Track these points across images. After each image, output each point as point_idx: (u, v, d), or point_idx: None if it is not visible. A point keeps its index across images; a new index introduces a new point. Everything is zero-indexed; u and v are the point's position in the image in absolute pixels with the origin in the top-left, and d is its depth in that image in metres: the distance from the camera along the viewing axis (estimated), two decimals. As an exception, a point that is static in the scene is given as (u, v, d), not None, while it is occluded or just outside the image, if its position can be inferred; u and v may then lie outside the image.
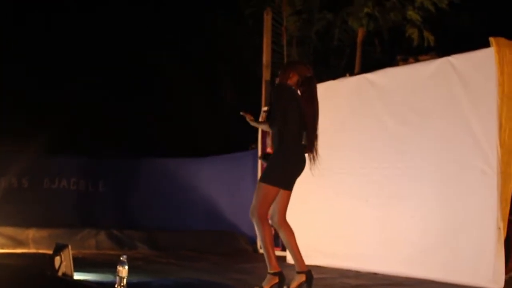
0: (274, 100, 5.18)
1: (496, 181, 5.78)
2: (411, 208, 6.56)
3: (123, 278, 4.49)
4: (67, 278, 4.99)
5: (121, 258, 4.53)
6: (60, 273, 5.04)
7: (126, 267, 4.52)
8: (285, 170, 5.11)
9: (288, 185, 5.15)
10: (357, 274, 6.58)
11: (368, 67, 9.23)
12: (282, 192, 5.12)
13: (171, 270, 6.70)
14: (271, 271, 5.03)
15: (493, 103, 5.86)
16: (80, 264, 5.20)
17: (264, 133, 9.66)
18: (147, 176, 10.90)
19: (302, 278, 5.15)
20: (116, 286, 4.48)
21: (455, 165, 6.18)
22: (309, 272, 5.17)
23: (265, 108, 9.78)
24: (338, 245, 7.28)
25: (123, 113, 11.72)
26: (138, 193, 10.80)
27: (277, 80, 5.36)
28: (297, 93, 5.21)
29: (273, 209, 5.18)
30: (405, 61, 8.98)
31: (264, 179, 5.08)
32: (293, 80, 5.22)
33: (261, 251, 9.38)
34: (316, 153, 5.21)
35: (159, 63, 12.08)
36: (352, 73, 9.00)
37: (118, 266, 4.51)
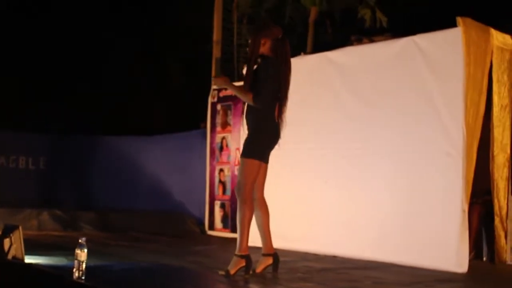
0: (263, 75, 5.00)
1: (461, 164, 5.69)
2: (372, 190, 6.43)
3: (82, 262, 4.17)
4: (18, 262, 4.65)
5: (80, 241, 4.22)
6: (10, 257, 4.69)
7: (86, 250, 4.21)
8: (266, 144, 5.07)
9: (267, 159, 5.13)
10: (317, 257, 6.41)
11: (320, 47, 9.07)
12: (263, 166, 5.10)
13: (124, 252, 6.41)
14: (239, 253, 4.90)
15: (459, 85, 5.77)
16: (27, 246, 4.86)
17: (214, 112, 9.40)
18: (92, 154, 10.47)
19: (268, 260, 5.08)
20: (74, 270, 4.16)
21: (419, 147, 6.08)
22: (276, 255, 5.09)
23: (215, 87, 9.53)
24: (294, 227, 7.09)
25: (68, 88, 11.20)
26: (82, 172, 10.37)
27: (248, 50, 5.17)
28: (279, 64, 5.06)
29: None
30: (359, 42, 8.86)
31: (248, 154, 5.00)
32: (266, 46, 5.07)
33: (210, 232, 9.27)
34: (283, 122, 5.15)
35: (107, 39, 11.60)
36: (305, 52, 8.82)
37: (76, 249, 4.20)
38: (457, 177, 5.70)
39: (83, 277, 4.15)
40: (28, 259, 4.81)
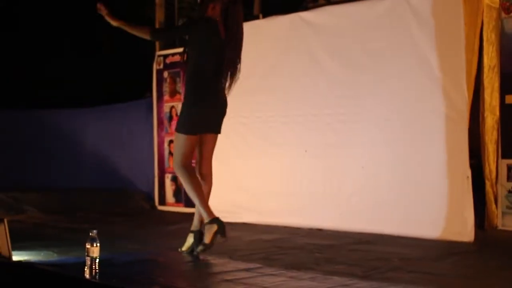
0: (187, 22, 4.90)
1: (465, 129, 5.42)
2: (362, 158, 6.08)
3: (95, 258, 3.60)
4: (5, 260, 3.99)
5: (91, 234, 3.64)
6: (-5, 255, 4.03)
7: (98, 244, 3.63)
8: (194, 115, 4.69)
9: (202, 129, 4.76)
10: (309, 232, 6.03)
11: (269, 9, 8.57)
12: (202, 137, 4.78)
13: (86, 237, 5.71)
14: (208, 220, 4.62)
15: (459, 46, 5.46)
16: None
17: (160, 80, 8.78)
18: (24, 129, 9.55)
19: (213, 228, 4.63)
20: (86, 269, 3.58)
21: (414, 111, 5.76)
22: (219, 220, 4.65)
23: (160, 52, 8.90)
24: (273, 200, 6.68)
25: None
26: (16, 150, 9.43)
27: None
28: (217, 27, 4.70)
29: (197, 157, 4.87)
30: (315, 2, 8.46)
31: (176, 128, 4.78)
32: (216, 10, 4.72)
33: (161, 208, 8.72)
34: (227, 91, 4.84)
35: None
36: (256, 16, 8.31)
37: (87, 244, 3.62)
38: (460, 141, 5.44)
39: (97, 276, 3.57)
40: (16, 256, 4.14)
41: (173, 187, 8.68)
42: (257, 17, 7.58)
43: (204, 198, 4.72)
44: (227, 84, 4.79)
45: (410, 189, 5.72)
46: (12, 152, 9.40)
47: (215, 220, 4.60)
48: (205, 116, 4.73)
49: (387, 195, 5.84)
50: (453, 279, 3.95)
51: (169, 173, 8.68)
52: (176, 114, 8.59)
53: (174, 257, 4.73)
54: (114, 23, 4.74)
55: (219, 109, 4.82)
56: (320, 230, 6.18)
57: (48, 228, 6.46)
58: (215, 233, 4.60)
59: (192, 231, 4.82)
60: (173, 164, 4.84)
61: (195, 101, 4.70)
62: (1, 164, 9.24)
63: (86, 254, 3.62)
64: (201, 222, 4.77)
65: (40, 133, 9.55)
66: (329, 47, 6.35)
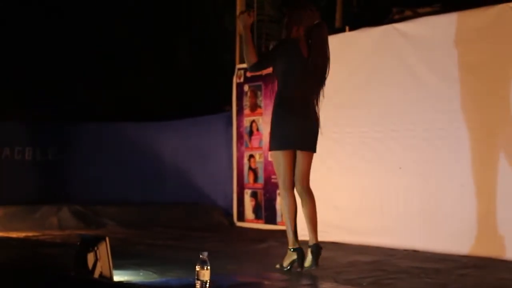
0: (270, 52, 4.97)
1: None
2: (459, 175, 5.75)
3: (206, 282, 3.39)
4: (107, 281, 3.83)
5: (201, 256, 3.43)
6: (96, 275, 3.87)
7: (209, 267, 3.43)
8: (284, 131, 4.72)
9: (298, 146, 4.75)
10: (406, 254, 5.72)
11: (351, 22, 8.33)
12: (298, 154, 4.78)
13: (176, 255, 5.67)
14: (289, 247, 4.75)
15: None
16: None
17: (240, 93, 8.62)
18: (104, 142, 9.50)
19: (293, 256, 4.75)
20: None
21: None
22: (300, 250, 4.74)
23: (240, 66, 8.75)
24: (364, 219, 6.40)
25: (65, 72, 10.11)
26: (96, 163, 9.38)
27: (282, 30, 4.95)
28: (299, 47, 4.74)
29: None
30: (401, 14, 8.19)
31: (271, 145, 4.79)
32: (299, 32, 4.78)
33: (239, 224, 8.53)
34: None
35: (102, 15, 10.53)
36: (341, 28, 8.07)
37: (198, 267, 3.42)
38: None
39: (208, 301, 3.37)
40: (117, 276, 3.98)
41: (253, 203, 8.49)
42: (342, 30, 7.35)
43: (294, 225, 4.75)
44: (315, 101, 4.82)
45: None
46: (91, 166, 9.37)
47: (297, 249, 4.70)
48: (291, 131, 4.72)
49: (497, 215, 5.47)
50: None
51: (249, 188, 8.50)
52: (257, 129, 8.42)
53: (279, 279, 4.51)
54: (245, 34, 4.76)
55: (307, 123, 4.79)
56: (415, 251, 5.87)
57: (134, 245, 6.32)
58: (292, 262, 4.71)
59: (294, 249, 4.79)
60: (280, 187, 4.86)
61: (282, 113, 4.74)
62: (81, 177, 9.22)
63: (196, 277, 3.42)
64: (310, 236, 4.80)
65: (119, 146, 9.51)
66: (427, 59, 6.04)
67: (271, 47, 5.02)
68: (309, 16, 4.80)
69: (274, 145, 4.73)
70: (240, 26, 4.87)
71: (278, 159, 4.74)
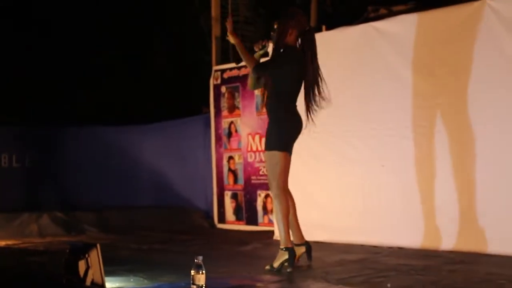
0: (276, 58, 4.99)
1: None
2: (440, 171, 5.79)
3: (201, 286, 3.38)
4: None
5: (196, 260, 3.42)
6: (88, 283, 3.83)
7: (204, 271, 3.42)
8: (288, 134, 4.94)
9: (291, 149, 4.97)
10: (392, 251, 5.75)
11: (323, 21, 8.39)
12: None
13: (164, 259, 5.63)
14: (281, 247, 4.83)
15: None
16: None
17: (218, 95, 8.61)
18: (80, 147, 9.40)
19: (301, 249, 5.03)
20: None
21: (499, 125, 5.45)
22: (308, 244, 5.07)
23: (217, 67, 8.75)
24: (348, 218, 6.43)
25: (44, 76, 10.02)
26: (73, 167, 9.28)
27: (272, 35, 5.09)
28: (300, 55, 4.98)
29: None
30: (376, 12, 8.24)
31: (274, 146, 4.86)
32: (292, 36, 4.99)
33: (220, 226, 8.51)
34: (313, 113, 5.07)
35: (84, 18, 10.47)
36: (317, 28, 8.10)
37: (193, 271, 3.41)
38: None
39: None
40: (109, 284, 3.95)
41: (233, 204, 8.48)
42: (318, 29, 7.37)
43: (288, 226, 4.86)
44: (314, 106, 5.04)
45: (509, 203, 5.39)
46: (68, 170, 9.26)
47: (289, 249, 4.79)
48: (292, 136, 4.97)
49: (477, 210, 5.53)
50: None
51: (229, 190, 8.49)
52: (236, 131, 8.41)
53: (271, 281, 4.51)
54: (233, 39, 4.98)
55: (300, 129, 5.01)
56: (400, 248, 5.91)
57: (119, 250, 6.26)
58: (283, 262, 4.79)
59: (297, 244, 4.99)
60: (270, 185, 4.97)
61: (287, 119, 4.92)
62: (59, 183, 9.11)
63: (191, 282, 3.42)
64: (297, 235, 5.04)
65: (96, 151, 9.42)
66: (406, 57, 6.08)
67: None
68: (300, 21, 5.02)
69: (278, 146, 4.85)
70: (232, 39, 5.00)
71: (275, 159, 4.85)
